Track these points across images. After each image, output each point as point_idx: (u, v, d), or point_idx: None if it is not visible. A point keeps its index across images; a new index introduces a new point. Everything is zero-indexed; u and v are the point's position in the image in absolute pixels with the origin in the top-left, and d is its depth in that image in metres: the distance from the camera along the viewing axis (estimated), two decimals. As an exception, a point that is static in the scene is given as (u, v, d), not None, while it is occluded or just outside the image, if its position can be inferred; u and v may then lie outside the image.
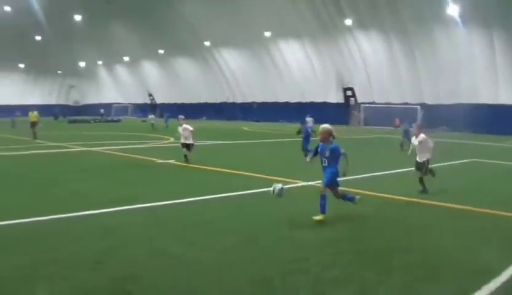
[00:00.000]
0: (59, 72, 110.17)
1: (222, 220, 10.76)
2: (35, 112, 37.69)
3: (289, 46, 69.55)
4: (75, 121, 71.98)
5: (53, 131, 43.46)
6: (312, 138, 24.21)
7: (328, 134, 10.69)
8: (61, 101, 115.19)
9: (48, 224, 10.43)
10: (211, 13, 69.80)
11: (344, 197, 11.01)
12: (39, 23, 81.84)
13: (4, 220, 10.40)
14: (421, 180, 14.17)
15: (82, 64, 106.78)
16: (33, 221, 10.52)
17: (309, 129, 25.41)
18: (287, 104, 72.29)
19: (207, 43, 77.53)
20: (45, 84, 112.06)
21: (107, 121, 75.80)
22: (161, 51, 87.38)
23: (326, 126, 10.83)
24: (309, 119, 40.09)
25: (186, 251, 8.61)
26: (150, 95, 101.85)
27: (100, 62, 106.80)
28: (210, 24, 71.43)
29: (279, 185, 10.72)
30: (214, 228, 10.11)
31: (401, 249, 8.88)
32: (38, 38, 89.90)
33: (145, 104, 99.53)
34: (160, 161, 21.66)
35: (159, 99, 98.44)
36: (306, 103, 67.16)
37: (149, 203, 12.46)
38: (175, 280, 7.26)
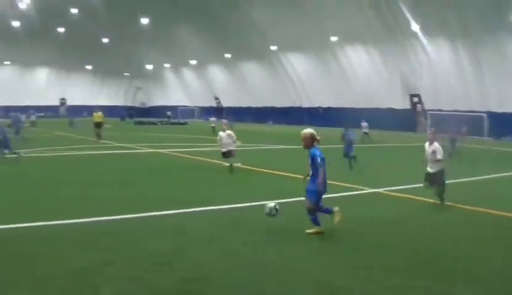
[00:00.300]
0: (126, 74, 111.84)
1: (293, 224, 10.53)
2: (99, 113, 37.91)
3: (355, 51, 68.73)
4: (141, 123, 73.05)
5: (120, 132, 44.31)
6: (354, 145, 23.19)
7: (311, 140, 9.90)
8: (128, 103, 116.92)
9: (118, 224, 10.67)
10: (278, 18, 69.73)
11: (322, 209, 10.09)
12: (106, 26, 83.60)
13: (77, 219, 10.70)
14: (439, 193, 13.24)
15: (149, 66, 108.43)
16: (103, 220, 10.80)
17: (351, 136, 23.24)
18: (353, 110, 71.31)
19: (273, 48, 77.43)
20: (112, 86, 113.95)
21: (173, 123, 76.21)
22: (228, 55, 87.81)
23: (307, 130, 10.02)
24: (364, 124, 39.94)
25: (257, 253, 8.62)
26: (216, 98, 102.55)
27: (167, 65, 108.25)
28: (277, 28, 71.27)
29: (271, 205, 10.34)
30: (285, 232, 10.04)
31: (452, 258, 8.65)
32: (105, 40, 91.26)
33: (211, 107, 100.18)
34: (228, 164, 21.80)
35: (225, 103, 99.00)
36: (372, 109, 66.07)
37: (221, 205, 12.54)
38: (245, 281, 7.26)
